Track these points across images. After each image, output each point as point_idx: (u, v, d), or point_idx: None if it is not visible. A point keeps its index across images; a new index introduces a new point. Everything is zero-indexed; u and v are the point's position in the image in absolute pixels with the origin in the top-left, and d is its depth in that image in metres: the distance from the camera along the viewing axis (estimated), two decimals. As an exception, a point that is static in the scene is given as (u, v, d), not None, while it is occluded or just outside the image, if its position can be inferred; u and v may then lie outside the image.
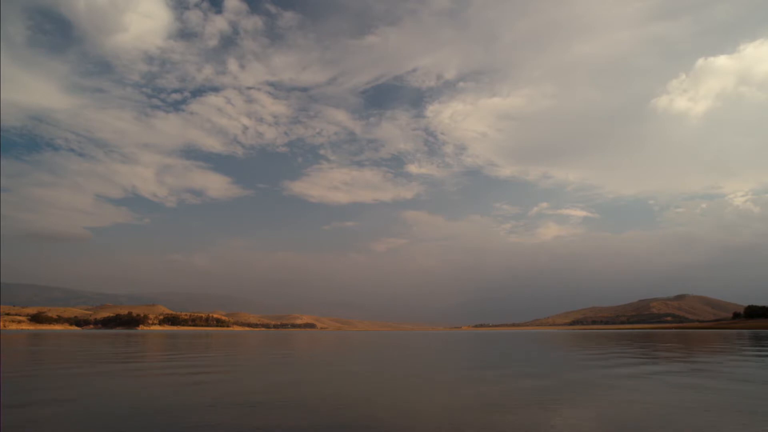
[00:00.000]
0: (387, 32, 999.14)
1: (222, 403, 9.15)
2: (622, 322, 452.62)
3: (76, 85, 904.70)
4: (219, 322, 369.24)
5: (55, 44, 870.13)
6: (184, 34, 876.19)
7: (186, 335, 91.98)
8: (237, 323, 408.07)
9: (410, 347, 37.01)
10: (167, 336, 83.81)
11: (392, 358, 23.99)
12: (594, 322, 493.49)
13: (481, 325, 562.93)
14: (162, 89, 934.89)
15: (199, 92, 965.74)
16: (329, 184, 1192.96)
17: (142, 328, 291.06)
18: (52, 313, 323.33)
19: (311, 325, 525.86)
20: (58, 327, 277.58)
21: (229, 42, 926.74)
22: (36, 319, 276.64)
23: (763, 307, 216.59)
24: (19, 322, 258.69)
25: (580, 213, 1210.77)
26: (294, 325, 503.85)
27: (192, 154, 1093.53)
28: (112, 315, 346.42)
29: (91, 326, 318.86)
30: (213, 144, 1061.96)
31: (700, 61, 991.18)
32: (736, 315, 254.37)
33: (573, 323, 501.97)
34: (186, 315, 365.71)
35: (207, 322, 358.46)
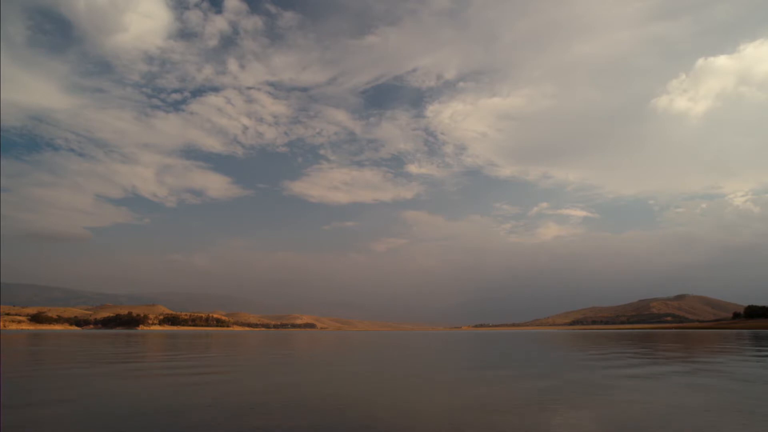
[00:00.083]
0: (387, 32, 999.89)
1: (222, 404, 9.15)
2: (622, 322, 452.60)
3: (76, 85, 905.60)
4: (219, 322, 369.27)
5: (55, 44, 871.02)
6: (184, 34, 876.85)
7: (186, 335, 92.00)
8: (237, 323, 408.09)
9: (410, 347, 37.02)
10: (167, 336, 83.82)
11: (392, 358, 23.99)
12: (594, 322, 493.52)
13: (481, 325, 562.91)
14: (162, 89, 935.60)
15: (199, 92, 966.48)
16: (329, 184, 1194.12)
17: (142, 328, 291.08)
18: (52, 313, 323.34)
19: (311, 325, 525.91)
20: (58, 327, 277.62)
21: (229, 42, 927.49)
22: (36, 319, 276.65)
23: (763, 307, 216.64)
24: (19, 322, 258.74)
25: (580, 213, 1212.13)
26: (294, 325, 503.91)
27: (192, 154, 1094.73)
28: (112, 315, 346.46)
29: (91, 326, 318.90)
30: (213, 144, 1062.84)
31: (700, 61, 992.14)
32: (736, 315, 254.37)
33: (573, 323, 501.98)
34: (186, 315, 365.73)
35: (207, 322, 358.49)
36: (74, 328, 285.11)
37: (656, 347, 33.53)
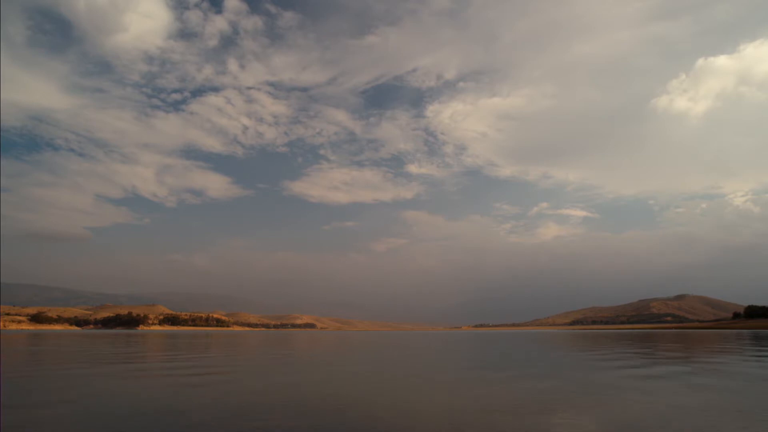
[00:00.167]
0: (387, 32, 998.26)
1: (222, 404, 9.16)
2: (622, 322, 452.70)
3: (76, 85, 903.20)
4: (219, 322, 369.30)
5: (55, 44, 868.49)
6: (184, 34, 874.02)
7: (186, 335, 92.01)
8: (237, 323, 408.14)
9: (410, 347, 37.02)
10: (167, 336, 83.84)
11: (392, 358, 23.99)
12: (594, 322, 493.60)
13: (481, 325, 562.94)
14: (162, 89, 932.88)
15: (199, 92, 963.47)
16: (329, 184, 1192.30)
17: (142, 328, 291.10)
18: (52, 313, 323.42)
19: (311, 325, 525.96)
20: (58, 327, 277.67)
21: (229, 42, 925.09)
22: (36, 319, 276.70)
23: (763, 307, 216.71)
24: (19, 322, 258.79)
25: (580, 213, 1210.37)
26: (294, 325, 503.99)
27: (192, 154, 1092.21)
28: (112, 315, 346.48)
29: (91, 326, 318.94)
30: (213, 144, 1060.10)
31: (700, 61, 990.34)
32: (736, 315, 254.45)
33: (573, 323, 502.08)
34: (186, 315, 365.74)
35: (207, 322, 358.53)
36: (74, 328, 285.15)
37: (656, 347, 33.54)
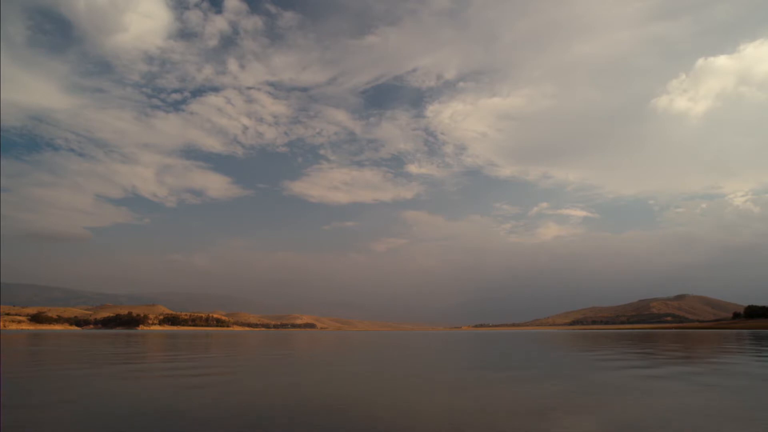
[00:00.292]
0: (387, 32, 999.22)
1: (222, 404, 9.15)
2: (622, 322, 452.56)
3: (76, 85, 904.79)
4: (219, 322, 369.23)
5: (55, 44, 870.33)
6: (184, 34, 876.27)
7: (186, 335, 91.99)
8: (237, 323, 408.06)
9: (410, 347, 37.01)
10: (167, 336, 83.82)
11: (392, 358, 23.99)
12: (594, 322, 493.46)
13: (481, 325, 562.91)
14: (162, 89, 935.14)
15: (199, 92, 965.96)
16: (329, 184, 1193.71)
17: (142, 328, 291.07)
18: (52, 313, 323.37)
19: (311, 325, 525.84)
20: (58, 327, 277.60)
21: (229, 42, 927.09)
22: (36, 319, 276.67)
23: (763, 307, 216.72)
24: (19, 322, 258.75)
25: (580, 213, 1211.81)
26: (294, 325, 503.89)
27: (192, 154, 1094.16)
28: (112, 315, 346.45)
29: (91, 326, 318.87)
30: (213, 144, 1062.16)
31: (700, 61, 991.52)
32: (736, 315, 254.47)
33: (573, 323, 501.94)
34: (186, 315, 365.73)
35: (207, 322, 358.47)
36: (74, 328, 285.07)
37: (656, 347, 33.53)
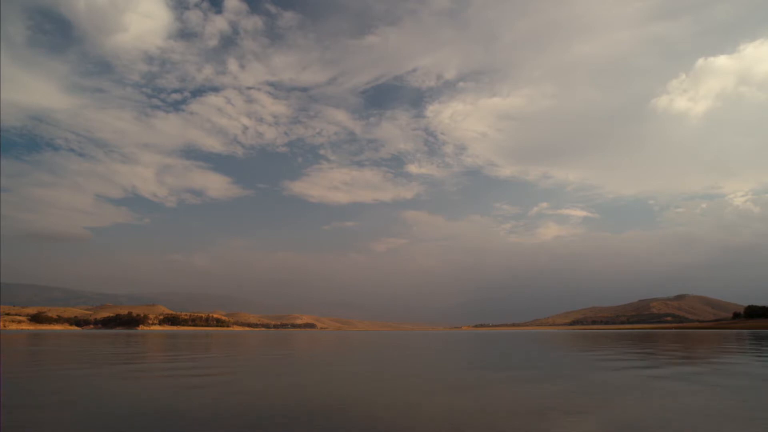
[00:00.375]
0: (387, 32, 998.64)
1: (222, 404, 9.15)
2: (622, 322, 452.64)
3: (76, 85, 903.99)
4: (219, 322, 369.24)
5: (55, 44, 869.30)
6: (184, 34, 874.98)
7: (186, 335, 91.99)
8: (237, 323, 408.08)
9: (410, 347, 37.01)
10: (167, 336, 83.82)
11: (392, 358, 23.99)
12: (594, 322, 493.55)
13: (481, 325, 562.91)
14: (162, 89, 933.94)
15: (199, 92, 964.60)
16: (329, 184, 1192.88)
17: (142, 328, 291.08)
18: (52, 313, 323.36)
19: (311, 325, 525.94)
20: (58, 327, 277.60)
21: (229, 42, 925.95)
22: (36, 319, 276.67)
23: (763, 307, 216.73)
24: (19, 322, 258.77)
25: (580, 213, 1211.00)
26: (294, 325, 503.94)
27: (192, 154, 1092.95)
28: (112, 315, 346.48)
29: (91, 326, 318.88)
30: (213, 144, 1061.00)
31: (700, 61, 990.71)
32: (736, 315, 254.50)
33: (573, 323, 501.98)
34: (186, 315, 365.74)
35: (207, 322, 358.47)
36: (74, 328, 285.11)
37: (656, 347, 33.53)
